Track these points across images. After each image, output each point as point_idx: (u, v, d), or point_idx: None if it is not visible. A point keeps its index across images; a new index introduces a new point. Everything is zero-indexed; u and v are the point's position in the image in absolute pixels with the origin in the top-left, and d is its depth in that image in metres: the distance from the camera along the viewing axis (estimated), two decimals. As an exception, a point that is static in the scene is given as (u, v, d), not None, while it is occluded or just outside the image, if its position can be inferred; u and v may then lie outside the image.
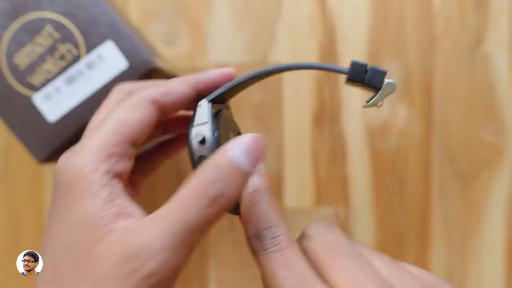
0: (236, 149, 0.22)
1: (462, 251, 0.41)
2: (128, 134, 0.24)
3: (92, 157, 0.23)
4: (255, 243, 0.23)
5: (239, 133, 0.29)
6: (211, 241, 0.41)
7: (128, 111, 0.24)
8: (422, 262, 0.41)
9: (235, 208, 0.25)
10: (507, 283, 0.41)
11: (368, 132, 0.41)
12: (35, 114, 0.33)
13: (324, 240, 0.23)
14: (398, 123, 0.41)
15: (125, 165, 0.24)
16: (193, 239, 0.21)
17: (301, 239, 0.23)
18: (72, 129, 0.33)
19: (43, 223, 0.41)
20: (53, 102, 0.33)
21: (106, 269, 0.21)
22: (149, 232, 0.21)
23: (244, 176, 0.22)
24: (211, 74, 0.27)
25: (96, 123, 0.26)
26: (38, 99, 0.33)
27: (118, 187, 0.23)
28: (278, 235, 0.23)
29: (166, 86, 0.25)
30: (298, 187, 0.41)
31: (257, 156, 0.22)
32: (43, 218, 0.41)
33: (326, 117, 0.41)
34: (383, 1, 0.41)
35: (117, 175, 0.23)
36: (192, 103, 0.26)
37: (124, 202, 0.23)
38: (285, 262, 0.22)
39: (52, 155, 0.33)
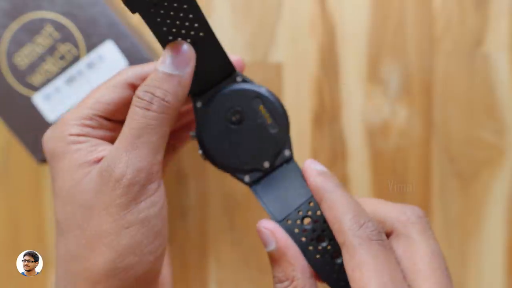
0: (159, 60, 0.26)
1: (462, 251, 0.41)
2: (103, 110, 0.26)
3: (67, 126, 0.26)
4: (357, 230, 0.23)
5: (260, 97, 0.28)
6: (211, 241, 0.41)
7: (106, 91, 0.27)
8: (422, 262, 0.41)
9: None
10: (507, 283, 0.41)
11: (368, 132, 0.41)
12: (35, 114, 0.33)
13: (429, 246, 0.24)
14: (398, 123, 0.41)
15: (102, 133, 0.27)
16: (144, 141, 0.25)
17: (399, 235, 0.24)
18: (72, 129, 0.33)
19: (43, 223, 0.41)
20: (53, 102, 0.33)
21: (89, 192, 0.24)
22: (112, 149, 0.25)
23: (170, 77, 0.25)
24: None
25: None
26: (38, 99, 0.33)
27: (96, 141, 0.26)
28: (381, 231, 0.23)
29: (143, 69, 0.27)
30: (298, 187, 0.41)
31: (177, 60, 0.26)
32: (43, 218, 0.41)
33: (326, 117, 0.41)
34: (383, 1, 0.41)
35: (94, 137, 0.26)
36: None
37: (109, 147, 0.26)
38: (387, 258, 0.22)
39: (52, 155, 0.33)
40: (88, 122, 0.26)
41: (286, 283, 0.25)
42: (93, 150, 0.25)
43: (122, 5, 0.24)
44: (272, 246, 0.25)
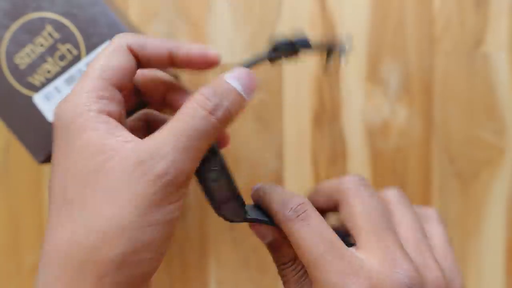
0: (231, 74, 0.25)
1: (462, 251, 0.41)
2: (112, 77, 0.25)
3: (84, 99, 0.24)
4: (286, 213, 0.25)
5: None
6: (211, 241, 0.41)
7: (108, 57, 0.26)
8: (422, 262, 0.41)
9: (244, 213, 0.27)
10: (507, 283, 0.41)
11: (368, 132, 0.41)
12: (36, 114, 0.33)
13: (361, 204, 0.26)
14: (398, 123, 0.41)
15: (116, 108, 0.25)
16: (196, 145, 0.23)
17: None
18: (72, 129, 0.33)
19: (43, 223, 0.41)
20: (54, 102, 0.33)
21: (117, 178, 0.23)
22: (157, 141, 0.23)
23: (239, 96, 0.25)
24: (192, 52, 0.27)
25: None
26: (39, 99, 0.33)
27: (115, 123, 0.25)
28: (307, 209, 0.25)
29: (143, 39, 0.26)
30: (298, 187, 0.41)
31: (249, 85, 0.25)
32: (43, 218, 0.41)
33: (326, 117, 0.41)
34: (383, 1, 0.41)
35: (111, 115, 0.25)
36: (164, 66, 0.27)
37: (126, 133, 0.24)
38: (316, 230, 0.25)
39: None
40: (102, 93, 0.25)
41: (289, 263, 0.26)
42: (113, 133, 0.24)
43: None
44: (269, 238, 0.27)
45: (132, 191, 0.23)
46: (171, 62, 0.27)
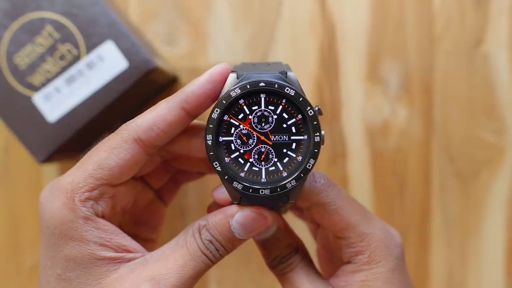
0: (236, 220, 0.25)
1: (462, 251, 0.41)
2: (106, 177, 0.24)
3: (68, 201, 0.24)
4: (319, 185, 0.26)
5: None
6: (211, 241, 0.41)
7: (109, 152, 0.24)
8: (422, 262, 0.41)
9: None
10: (507, 283, 0.41)
11: (368, 132, 0.41)
12: (35, 114, 0.33)
13: None
14: (398, 123, 0.41)
15: (108, 204, 0.25)
16: (191, 271, 0.24)
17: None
18: (72, 129, 0.33)
19: (43, 223, 0.41)
20: (53, 102, 0.33)
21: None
22: (162, 261, 0.24)
23: (238, 241, 0.25)
24: (196, 88, 0.24)
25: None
26: (38, 99, 0.33)
27: (107, 227, 0.24)
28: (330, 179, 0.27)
29: (149, 119, 0.24)
30: (298, 187, 0.41)
31: (252, 230, 0.25)
32: (43, 218, 0.41)
33: (326, 117, 0.41)
34: (383, 1, 0.41)
35: (103, 215, 0.24)
36: (185, 122, 0.25)
37: (120, 241, 0.24)
38: (347, 195, 0.27)
39: (52, 155, 0.33)
40: (87, 194, 0.24)
41: (293, 251, 0.27)
42: (109, 241, 0.24)
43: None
44: (274, 229, 0.27)
45: None
46: (188, 115, 0.25)
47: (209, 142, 0.23)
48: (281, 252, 0.27)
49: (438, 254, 0.41)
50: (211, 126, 0.23)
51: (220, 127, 0.24)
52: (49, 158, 0.33)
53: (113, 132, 0.25)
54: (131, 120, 0.25)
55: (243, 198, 0.24)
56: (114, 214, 0.26)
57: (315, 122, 0.24)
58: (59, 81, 0.32)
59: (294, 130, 0.24)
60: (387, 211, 0.41)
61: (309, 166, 0.24)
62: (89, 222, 0.24)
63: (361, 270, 0.26)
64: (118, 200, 0.26)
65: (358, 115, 0.41)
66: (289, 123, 0.24)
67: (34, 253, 0.41)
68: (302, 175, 0.24)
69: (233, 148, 0.24)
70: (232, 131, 0.24)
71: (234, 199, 0.25)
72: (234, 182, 0.24)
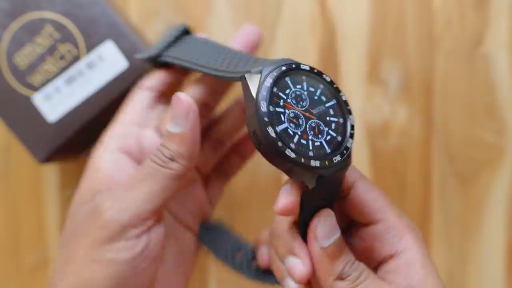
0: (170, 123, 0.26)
1: (462, 251, 0.41)
2: (154, 208, 0.25)
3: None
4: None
5: None
6: (211, 241, 0.41)
7: (152, 185, 0.25)
8: (422, 262, 0.41)
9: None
10: (507, 283, 0.41)
11: (368, 132, 0.41)
12: (35, 114, 0.33)
13: None
14: (398, 123, 0.41)
15: (159, 230, 0.26)
16: (145, 188, 0.25)
17: None
18: (72, 129, 0.33)
19: (43, 223, 0.41)
20: (53, 102, 0.33)
21: (78, 220, 0.26)
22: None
23: (173, 136, 0.25)
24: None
25: (116, 132, 0.28)
26: (38, 99, 0.33)
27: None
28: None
29: (135, 141, 0.29)
30: (298, 187, 0.41)
31: (177, 117, 0.25)
32: (43, 218, 0.41)
33: (326, 117, 0.41)
34: (383, 1, 0.41)
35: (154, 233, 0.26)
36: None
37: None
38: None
39: (52, 155, 0.33)
40: (141, 228, 0.25)
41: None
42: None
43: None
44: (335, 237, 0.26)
45: (83, 230, 0.25)
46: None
47: (273, 135, 0.23)
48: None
49: (438, 254, 0.41)
50: (266, 119, 0.23)
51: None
52: (49, 158, 0.33)
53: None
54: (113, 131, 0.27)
55: (320, 178, 0.23)
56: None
57: (348, 107, 0.25)
58: (59, 81, 0.32)
59: (324, 98, 0.25)
60: (387, 211, 0.41)
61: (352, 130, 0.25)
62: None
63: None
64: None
65: (358, 115, 0.41)
66: (317, 93, 0.25)
67: (34, 253, 0.41)
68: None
69: (291, 133, 0.23)
70: (283, 118, 0.23)
71: (310, 183, 0.23)
72: (311, 161, 0.23)
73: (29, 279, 0.41)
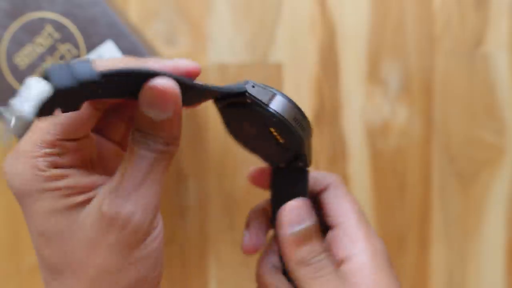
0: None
1: (462, 251, 0.41)
2: (61, 133, 0.24)
3: (33, 159, 0.24)
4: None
5: None
6: (211, 241, 0.41)
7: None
8: (422, 262, 0.41)
9: None
10: (507, 283, 0.41)
11: (368, 132, 0.41)
12: (35, 114, 0.33)
13: None
14: (398, 123, 0.41)
15: (74, 158, 0.25)
16: (153, 180, 0.24)
17: None
18: (72, 129, 0.33)
19: (43, 223, 0.41)
20: (53, 102, 0.33)
21: (91, 230, 0.24)
22: (110, 188, 0.24)
23: (157, 124, 0.24)
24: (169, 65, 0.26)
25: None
26: (38, 99, 0.33)
27: (74, 176, 0.24)
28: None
29: None
30: (298, 187, 0.41)
31: (159, 104, 0.24)
32: (43, 218, 0.41)
33: (326, 117, 0.41)
34: (383, 1, 0.41)
35: (71, 166, 0.24)
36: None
37: (80, 177, 0.24)
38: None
39: (52, 155, 0.33)
40: (51, 150, 0.24)
41: (324, 253, 0.28)
42: (74, 189, 0.24)
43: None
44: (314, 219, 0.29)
45: (108, 239, 0.23)
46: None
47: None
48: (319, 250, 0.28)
49: (438, 254, 0.41)
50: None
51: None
52: (49, 158, 0.33)
53: None
54: None
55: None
56: (83, 166, 0.26)
57: None
58: (59, 81, 0.32)
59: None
60: (387, 211, 0.41)
61: None
62: (54, 171, 0.24)
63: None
64: (84, 154, 0.26)
65: (358, 115, 0.41)
66: None
67: (34, 253, 0.41)
68: None
69: None
70: None
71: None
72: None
73: (29, 279, 0.41)
